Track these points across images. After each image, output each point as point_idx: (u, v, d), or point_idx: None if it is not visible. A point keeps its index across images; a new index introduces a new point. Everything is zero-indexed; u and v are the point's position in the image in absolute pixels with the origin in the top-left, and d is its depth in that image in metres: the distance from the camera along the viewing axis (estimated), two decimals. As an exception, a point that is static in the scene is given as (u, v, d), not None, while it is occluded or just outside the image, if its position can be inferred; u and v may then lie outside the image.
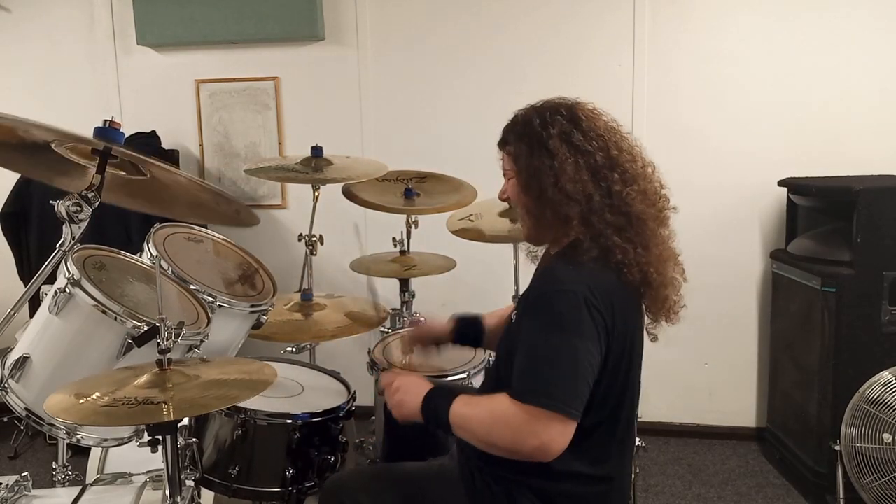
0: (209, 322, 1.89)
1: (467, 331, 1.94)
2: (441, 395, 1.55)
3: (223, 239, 2.32)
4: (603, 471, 1.54)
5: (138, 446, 1.76)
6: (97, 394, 1.44)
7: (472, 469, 1.58)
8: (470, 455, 1.60)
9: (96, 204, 1.69)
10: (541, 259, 1.74)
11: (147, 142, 3.58)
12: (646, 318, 1.65)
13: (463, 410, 1.49)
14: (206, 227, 2.33)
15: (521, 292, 2.20)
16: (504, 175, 1.62)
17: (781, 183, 3.13)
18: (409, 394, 1.58)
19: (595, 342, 1.42)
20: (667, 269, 1.58)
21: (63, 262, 1.70)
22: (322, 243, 2.66)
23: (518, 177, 1.56)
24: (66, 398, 1.43)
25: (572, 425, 1.39)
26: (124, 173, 1.86)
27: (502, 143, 1.60)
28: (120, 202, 1.98)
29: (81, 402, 1.42)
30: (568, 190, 1.47)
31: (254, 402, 1.81)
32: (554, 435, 1.37)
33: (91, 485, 1.92)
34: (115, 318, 1.67)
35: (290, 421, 1.89)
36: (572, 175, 1.47)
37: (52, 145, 1.76)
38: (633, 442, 1.66)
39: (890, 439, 2.46)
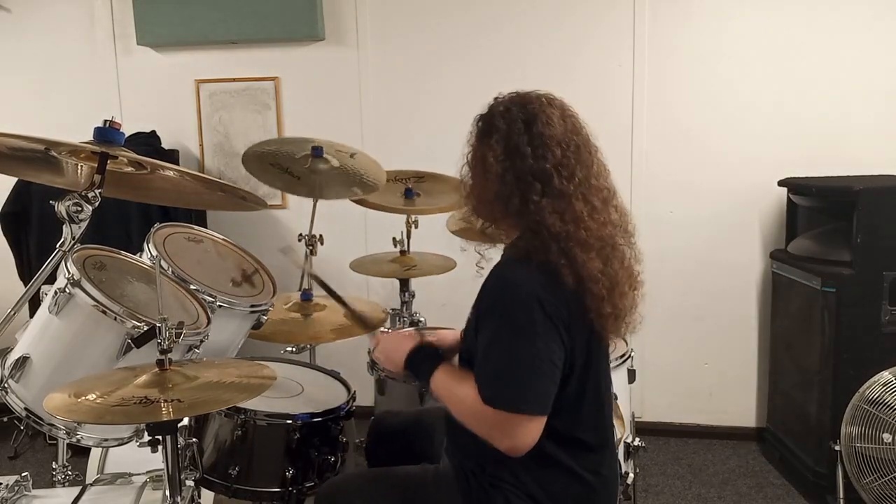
0: (209, 322, 1.89)
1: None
2: (422, 360, 1.64)
3: (223, 239, 2.32)
4: (586, 464, 1.56)
5: (138, 446, 1.76)
6: (95, 393, 1.44)
7: (467, 472, 1.59)
8: (464, 459, 1.61)
9: (96, 203, 1.69)
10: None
11: (147, 142, 3.58)
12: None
13: (444, 388, 1.58)
14: (206, 227, 2.33)
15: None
16: None
17: (781, 183, 3.13)
18: (389, 362, 1.72)
19: (555, 339, 1.44)
20: (596, 289, 1.47)
21: (63, 262, 1.70)
22: (322, 243, 2.65)
23: (470, 152, 1.59)
24: (65, 397, 1.43)
25: (541, 420, 1.46)
26: (131, 169, 1.86)
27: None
28: (123, 196, 1.98)
29: (80, 400, 1.42)
30: (493, 187, 1.50)
31: (254, 403, 1.81)
32: (524, 434, 1.45)
33: (91, 485, 1.92)
34: (115, 318, 1.67)
35: (290, 421, 1.89)
36: (498, 174, 1.49)
37: (50, 152, 1.76)
38: (613, 437, 1.67)
39: (890, 439, 2.46)
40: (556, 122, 1.49)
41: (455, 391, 1.55)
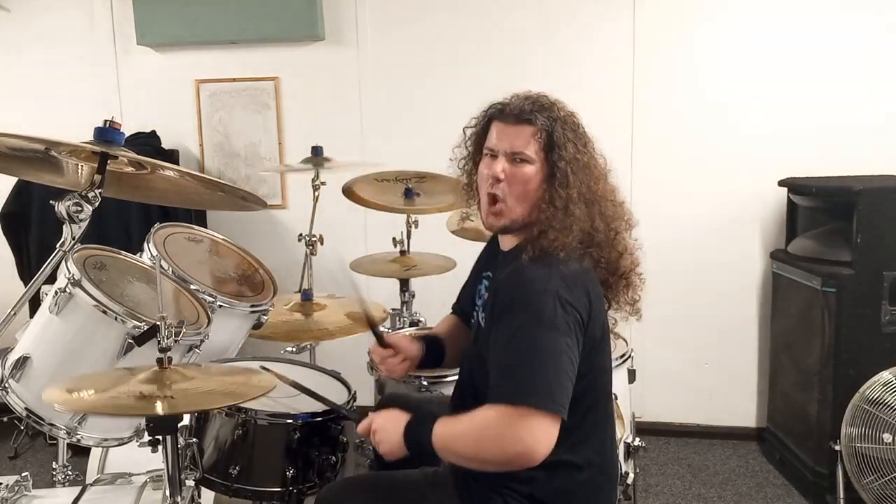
0: (209, 322, 1.89)
1: (433, 353, 1.89)
2: (420, 423, 1.53)
3: (223, 239, 2.32)
4: (584, 456, 1.55)
5: (138, 446, 1.76)
6: (93, 389, 1.44)
7: (466, 476, 1.58)
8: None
9: (97, 203, 1.69)
10: (487, 245, 1.84)
11: (147, 142, 3.58)
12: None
13: (446, 432, 1.47)
14: (206, 227, 2.33)
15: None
16: (514, 156, 1.54)
17: (781, 183, 3.13)
18: (388, 431, 1.56)
19: (572, 337, 1.43)
20: (623, 263, 1.64)
21: (63, 262, 1.70)
22: (322, 243, 2.66)
23: (550, 165, 1.52)
24: (62, 392, 1.43)
25: (557, 422, 1.38)
26: (131, 169, 1.86)
27: (542, 124, 1.53)
28: (123, 196, 1.98)
29: (78, 394, 1.41)
30: (593, 191, 1.55)
31: (254, 402, 1.81)
32: (539, 436, 1.36)
33: (91, 485, 1.92)
34: (116, 318, 1.67)
35: (290, 421, 1.89)
36: (602, 185, 1.59)
37: (50, 152, 1.75)
38: (612, 426, 1.66)
39: (890, 439, 2.46)
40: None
41: (458, 428, 1.46)
